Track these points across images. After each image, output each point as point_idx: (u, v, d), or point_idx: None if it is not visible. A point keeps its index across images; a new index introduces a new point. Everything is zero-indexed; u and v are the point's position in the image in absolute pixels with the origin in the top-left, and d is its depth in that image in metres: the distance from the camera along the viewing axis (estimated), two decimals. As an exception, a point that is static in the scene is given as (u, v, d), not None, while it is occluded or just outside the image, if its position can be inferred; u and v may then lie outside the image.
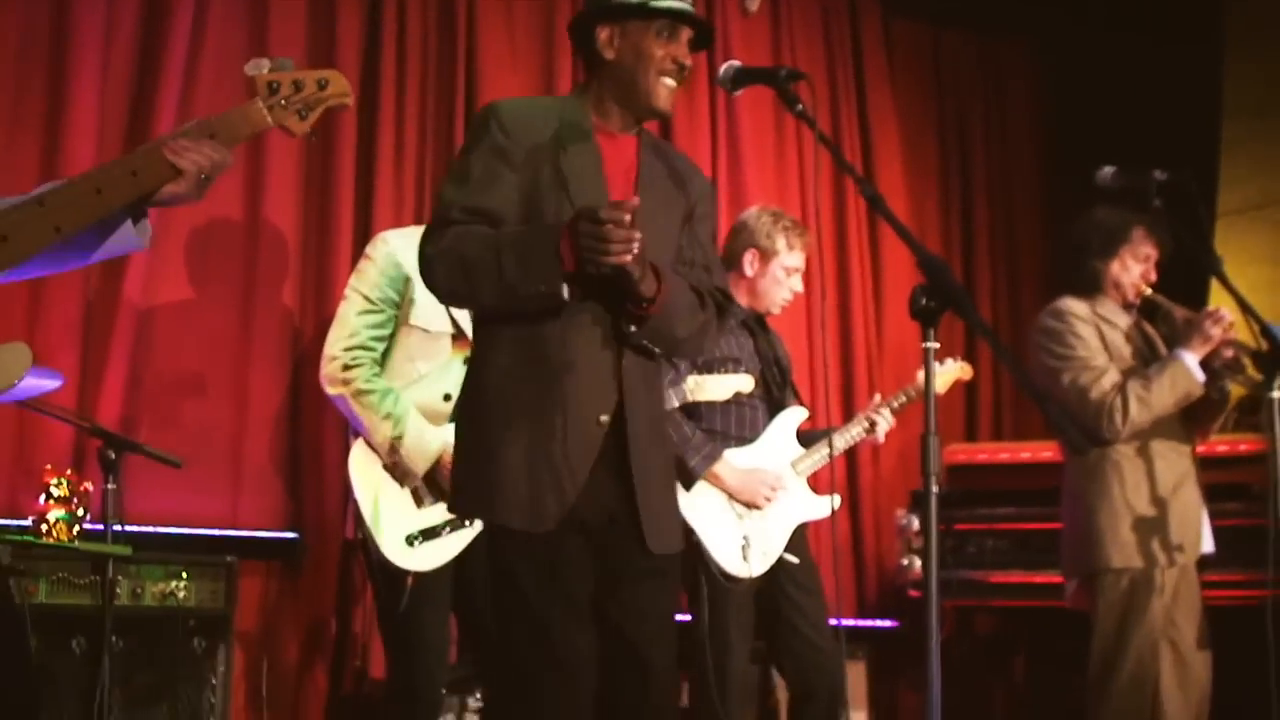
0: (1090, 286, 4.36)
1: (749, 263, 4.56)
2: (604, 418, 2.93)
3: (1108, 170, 4.08)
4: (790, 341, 4.93)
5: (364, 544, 4.06)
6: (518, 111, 3.04)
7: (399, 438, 4.02)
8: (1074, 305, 4.32)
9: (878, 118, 6.93)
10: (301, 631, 4.97)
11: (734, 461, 4.38)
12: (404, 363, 4.18)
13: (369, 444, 4.10)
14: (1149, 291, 4.34)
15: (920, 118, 7.21)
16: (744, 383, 4.37)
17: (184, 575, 4.17)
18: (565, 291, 2.80)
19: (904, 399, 4.73)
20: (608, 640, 2.96)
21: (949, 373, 4.96)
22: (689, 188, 3.18)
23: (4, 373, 2.73)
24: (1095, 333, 4.28)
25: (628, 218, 2.73)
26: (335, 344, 4.18)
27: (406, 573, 3.98)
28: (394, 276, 4.16)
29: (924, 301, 2.60)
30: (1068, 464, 4.37)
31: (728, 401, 4.44)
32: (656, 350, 3.07)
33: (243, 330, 4.98)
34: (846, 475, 6.23)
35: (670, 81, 3.04)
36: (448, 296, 3.11)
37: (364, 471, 4.08)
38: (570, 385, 2.91)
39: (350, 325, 4.16)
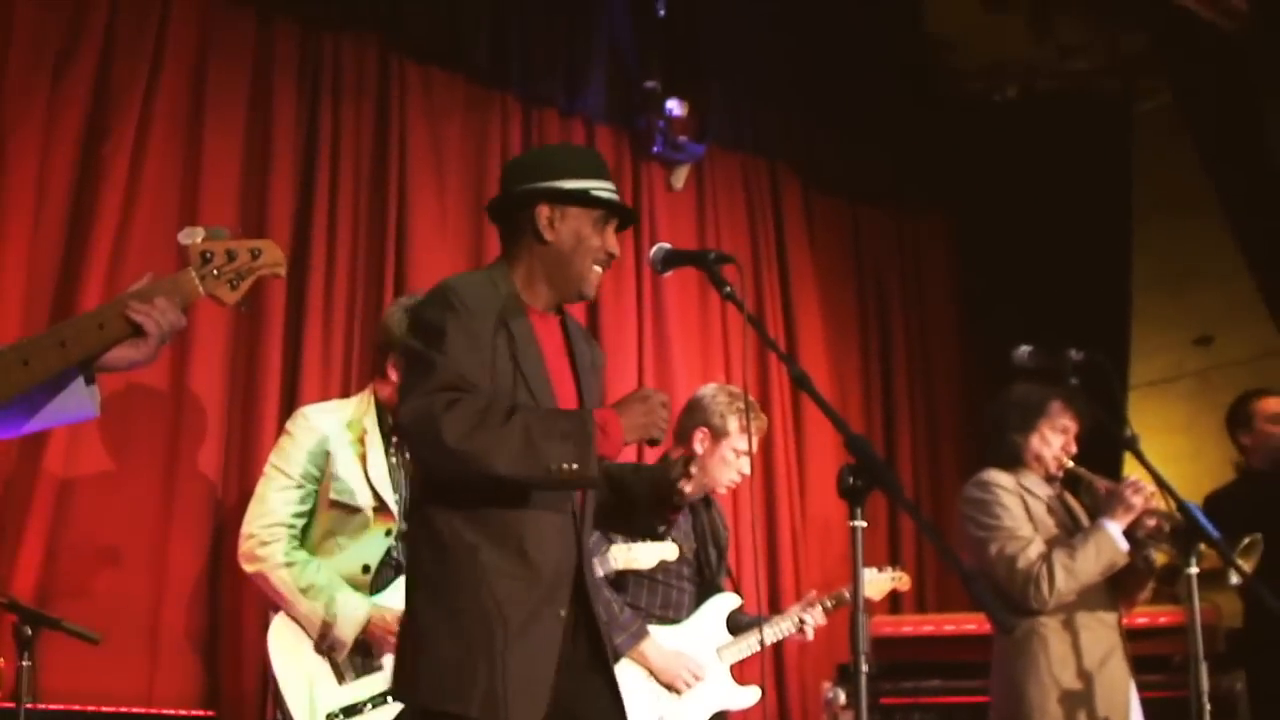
0: (1012, 460, 4.43)
1: (699, 440, 4.59)
2: (562, 612, 2.95)
3: (1024, 350, 4.18)
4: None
5: (283, 724, 3.97)
6: (471, 290, 3.05)
7: (325, 605, 3.96)
8: (998, 476, 4.38)
9: (799, 288, 7.08)
10: (220, 819, 4.81)
11: (661, 640, 4.36)
12: (324, 538, 4.14)
13: (291, 618, 4.03)
14: (1070, 464, 4.41)
15: (840, 287, 7.38)
16: (668, 551, 4.38)
17: (99, 758, 4.05)
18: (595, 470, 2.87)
19: (836, 600, 4.74)
20: None
21: (884, 582, 4.99)
22: (599, 367, 3.29)
23: None
24: (1020, 503, 4.33)
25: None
26: (252, 522, 4.13)
27: (329, 753, 3.89)
28: (314, 452, 4.14)
29: (851, 481, 2.64)
30: (996, 639, 4.38)
31: (655, 579, 4.44)
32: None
33: (163, 500, 4.89)
34: (772, 648, 6.19)
35: (599, 269, 3.15)
36: (451, 457, 2.87)
37: (283, 648, 4.01)
38: (534, 577, 2.93)
39: (269, 503, 4.13)
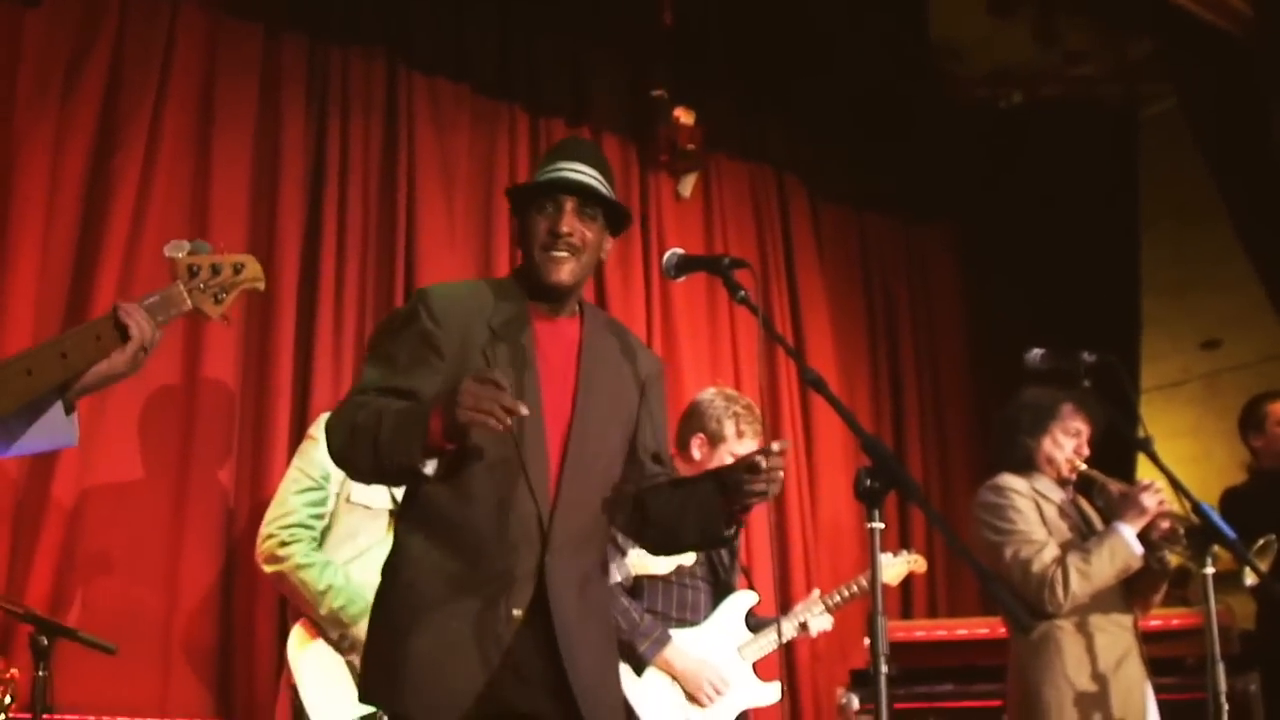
0: (1024, 464, 4.42)
1: (696, 447, 4.57)
2: (517, 611, 2.87)
3: (1036, 352, 4.18)
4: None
5: (304, 733, 3.97)
6: (449, 298, 3.03)
7: (343, 608, 3.97)
8: (1012, 481, 4.38)
9: (807, 294, 7.09)
10: (232, 827, 4.81)
11: (683, 645, 4.36)
12: (345, 540, 4.15)
13: (309, 625, 4.03)
14: (1083, 467, 4.41)
15: (849, 294, 7.39)
16: (685, 555, 4.37)
17: (113, 767, 4.05)
18: (428, 467, 2.77)
19: (841, 597, 4.74)
20: None
21: (901, 565, 4.98)
22: (638, 364, 3.19)
23: None
24: (1034, 507, 4.33)
25: (507, 386, 2.70)
26: (272, 522, 4.14)
27: (350, 761, 3.89)
28: (336, 455, 4.14)
29: (868, 483, 2.63)
30: (1012, 642, 4.37)
31: (670, 581, 4.43)
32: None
33: (176, 510, 4.90)
34: (784, 653, 6.18)
35: (557, 253, 3.03)
36: (339, 461, 2.97)
37: (304, 657, 4.01)
38: (484, 577, 2.88)
39: (288, 504, 4.14)
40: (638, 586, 4.39)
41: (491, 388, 2.67)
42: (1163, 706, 4.36)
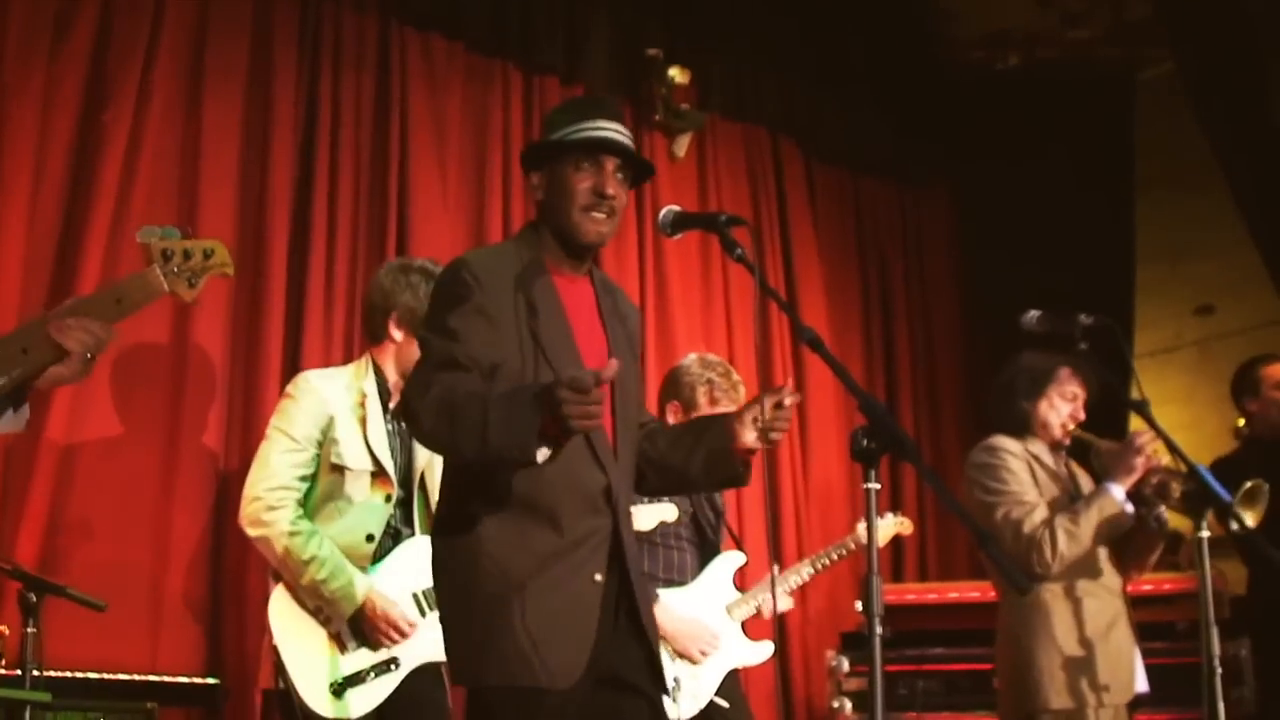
0: (1019, 427, 4.41)
1: (671, 414, 4.58)
2: (598, 577, 2.94)
3: (1033, 314, 4.17)
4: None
5: (285, 694, 3.95)
6: (487, 268, 3.02)
7: (324, 581, 3.94)
8: (1006, 442, 4.36)
9: (801, 257, 7.07)
10: (222, 781, 4.81)
11: (672, 605, 4.35)
12: (325, 501, 4.11)
13: (290, 588, 4.01)
14: (1078, 430, 4.39)
15: (842, 255, 7.38)
16: (668, 512, 4.37)
17: (103, 722, 4.04)
18: (540, 456, 2.77)
19: (830, 559, 4.74)
20: None
21: (888, 527, 4.99)
22: (630, 323, 3.25)
23: None
24: (1027, 469, 4.32)
25: (602, 389, 2.73)
26: (257, 484, 4.09)
27: (331, 721, 3.87)
28: (316, 414, 4.10)
29: (865, 443, 2.62)
30: (1002, 606, 4.37)
31: (655, 543, 4.42)
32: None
33: (166, 467, 4.88)
34: (773, 617, 6.19)
35: (598, 215, 3.04)
36: (430, 442, 3.00)
37: (285, 618, 3.98)
38: (565, 545, 2.93)
39: (272, 465, 4.08)
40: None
41: (585, 394, 2.67)
42: (1153, 671, 4.37)
